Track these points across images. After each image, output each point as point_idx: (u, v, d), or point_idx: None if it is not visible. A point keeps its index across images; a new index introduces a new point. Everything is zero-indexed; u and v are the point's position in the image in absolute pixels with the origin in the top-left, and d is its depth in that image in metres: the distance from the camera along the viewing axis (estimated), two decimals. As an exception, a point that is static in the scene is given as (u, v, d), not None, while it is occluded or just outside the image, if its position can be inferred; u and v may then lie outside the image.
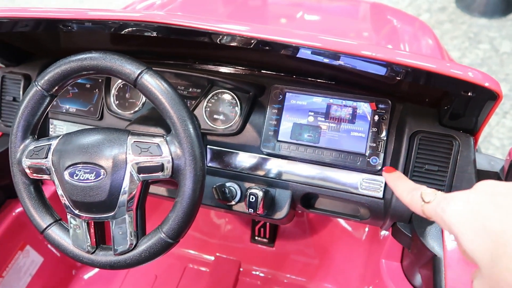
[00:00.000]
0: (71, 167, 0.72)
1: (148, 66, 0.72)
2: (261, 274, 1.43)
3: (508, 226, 0.40)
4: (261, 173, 0.95)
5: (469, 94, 0.67)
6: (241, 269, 1.43)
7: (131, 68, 0.71)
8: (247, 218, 1.47)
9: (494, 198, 0.44)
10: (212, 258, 1.47)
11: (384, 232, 1.13)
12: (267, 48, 0.73)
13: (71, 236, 0.76)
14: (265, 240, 1.45)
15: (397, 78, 0.76)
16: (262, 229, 1.44)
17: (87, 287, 1.39)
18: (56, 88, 0.76)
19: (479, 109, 0.73)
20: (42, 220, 0.78)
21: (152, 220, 0.79)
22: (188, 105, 0.98)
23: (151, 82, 0.70)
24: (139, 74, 0.70)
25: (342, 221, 1.35)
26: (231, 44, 0.77)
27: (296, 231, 1.45)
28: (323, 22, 1.56)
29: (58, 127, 1.09)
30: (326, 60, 0.74)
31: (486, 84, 0.61)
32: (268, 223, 1.44)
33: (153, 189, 1.01)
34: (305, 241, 1.44)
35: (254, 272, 1.43)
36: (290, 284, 1.39)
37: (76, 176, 0.72)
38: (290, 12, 1.63)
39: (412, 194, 0.56)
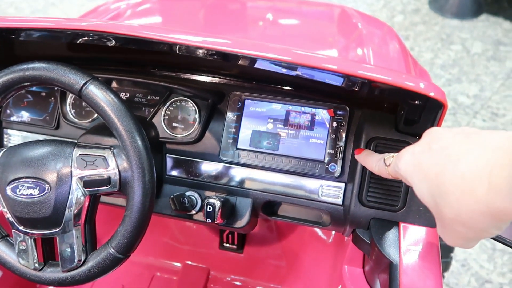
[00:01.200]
0: (14, 181, 0.69)
1: (93, 76, 0.70)
2: (231, 281, 1.41)
3: (440, 168, 0.43)
4: (221, 181, 0.93)
5: (416, 102, 0.67)
6: (210, 277, 1.41)
7: (75, 78, 0.68)
8: (204, 224, 1.45)
9: (430, 145, 0.47)
10: (180, 265, 1.45)
11: (348, 238, 1.13)
12: (225, 59, 0.72)
13: (17, 253, 0.73)
14: (233, 246, 1.44)
15: (354, 88, 0.76)
16: (230, 235, 1.42)
17: (51, 300, 1.35)
18: (0, 99, 0.73)
19: (430, 116, 0.73)
20: None
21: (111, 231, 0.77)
22: (147, 113, 0.95)
23: (96, 92, 0.68)
24: (83, 85, 0.68)
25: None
26: (191, 54, 0.75)
27: (264, 236, 1.44)
28: (291, 27, 1.55)
29: (13, 137, 1.05)
30: (284, 70, 0.73)
31: (431, 94, 0.61)
32: (235, 230, 1.42)
33: (113, 199, 0.99)
34: (274, 246, 1.43)
35: (223, 279, 1.42)
36: (260, 290, 1.38)
37: (19, 191, 0.69)
38: (258, 15, 1.62)
39: (378, 164, 0.64)
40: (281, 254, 1.42)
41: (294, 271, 1.38)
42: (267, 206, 0.95)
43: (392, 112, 0.85)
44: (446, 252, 1.54)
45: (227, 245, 1.44)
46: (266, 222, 1.43)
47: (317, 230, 1.35)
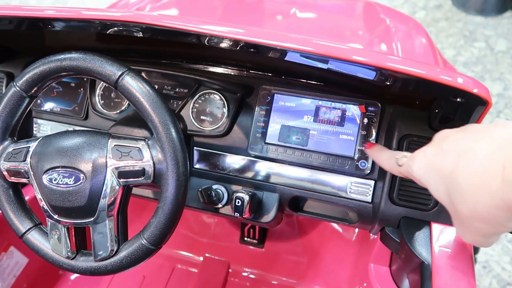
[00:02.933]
0: (50, 171, 0.70)
1: (129, 67, 0.70)
2: (251, 275, 1.41)
3: (454, 166, 0.44)
4: (248, 175, 0.93)
5: (458, 100, 0.65)
6: (230, 270, 1.42)
7: (111, 70, 0.68)
8: (231, 218, 1.46)
9: (442, 146, 0.48)
10: (201, 258, 1.45)
11: (374, 236, 1.12)
12: (255, 50, 0.71)
13: (51, 241, 0.74)
14: (254, 241, 1.44)
15: (386, 82, 0.74)
16: (251, 230, 1.42)
17: None
18: (35, 89, 0.74)
19: (469, 114, 0.71)
20: (21, 224, 0.76)
21: (140, 221, 0.77)
22: (175, 105, 0.96)
23: (132, 84, 0.68)
24: (120, 76, 0.68)
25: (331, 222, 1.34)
26: (219, 46, 0.75)
27: (286, 232, 1.44)
28: (316, 21, 1.54)
29: (42, 127, 1.07)
30: (315, 63, 0.72)
31: (475, 91, 0.59)
32: (257, 224, 1.42)
33: (139, 190, 0.99)
34: (295, 242, 1.42)
35: (243, 273, 1.42)
36: (280, 286, 1.38)
37: (55, 180, 0.70)
38: (282, 9, 1.60)
39: (390, 162, 0.63)
40: (302, 250, 1.42)
41: (314, 267, 1.37)
42: (293, 202, 0.94)
43: (425, 109, 0.84)
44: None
45: (248, 239, 1.44)
46: (288, 218, 1.43)
47: (339, 227, 1.34)
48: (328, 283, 1.32)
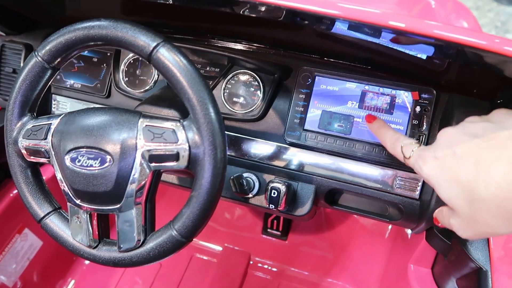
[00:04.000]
0: (73, 151, 0.63)
1: (165, 38, 0.62)
2: (272, 268, 1.35)
3: (472, 175, 0.46)
4: (281, 164, 0.86)
5: None
6: (250, 262, 1.36)
7: (145, 40, 0.61)
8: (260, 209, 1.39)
9: (454, 150, 0.49)
10: (221, 248, 1.39)
11: (409, 232, 1.04)
12: (299, 20, 0.63)
13: (71, 228, 0.68)
14: (277, 232, 1.37)
15: (446, 61, 0.66)
16: (275, 221, 1.36)
17: (88, 274, 1.32)
18: (59, 60, 0.66)
19: None
20: (39, 208, 0.70)
21: (159, 210, 0.70)
22: (205, 85, 0.88)
23: (169, 57, 0.60)
24: (154, 47, 0.60)
25: (362, 218, 1.27)
26: (251, 15, 0.66)
27: (311, 225, 1.36)
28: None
29: (61, 104, 1.00)
30: (364, 38, 0.64)
31: None
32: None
33: (164, 176, 0.93)
34: (320, 236, 1.35)
35: (264, 266, 1.36)
36: (302, 280, 1.32)
37: (78, 161, 0.63)
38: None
39: (394, 146, 0.63)
40: (328, 245, 1.35)
41: (341, 263, 1.30)
42: (330, 195, 0.87)
43: (487, 98, 0.75)
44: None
45: (271, 230, 1.37)
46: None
47: (370, 223, 1.27)
48: (356, 281, 1.26)
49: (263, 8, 0.63)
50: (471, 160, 0.47)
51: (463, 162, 0.48)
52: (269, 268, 1.35)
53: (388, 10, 0.60)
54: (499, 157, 0.45)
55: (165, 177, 0.92)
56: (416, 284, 0.88)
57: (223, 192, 0.87)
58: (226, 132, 0.88)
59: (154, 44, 0.60)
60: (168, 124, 0.62)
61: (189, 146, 0.61)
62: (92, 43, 0.64)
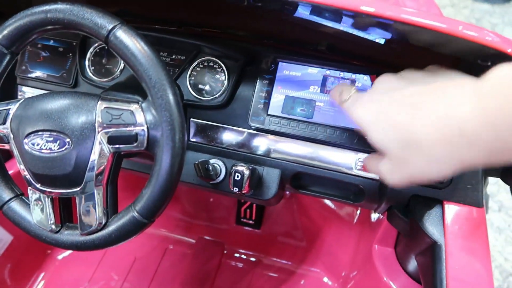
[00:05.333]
0: (32, 134, 0.63)
1: (122, 20, 0.63)
2: (246, 257, 1.37)
3: (410, 118, 0.47)
4: (248, 149, 0.87)
5: (488, 63, 0.59)
6: (225, 252, 1.37)
7: (102, 22, 0.61)
8: (233, 199, 1.40)
9: (391, 95, 0.50)
10: (195, 240, 1.40)
11: (376, 216, 1.07)
12: (261, 5, 0.65)
13: (33, 213, 0.68)
14: (251, 222, 1.38)
15: (402, 43, 0.68)
16: (248, 210, 1.37)
17: (61, 268, 1.31)
18: (17, 44, 0.67)
19: None
20: (0, 194, 0.69)
21: (130, 198, 0.71)
22: (171, 73, 0.89)
23: (125, 39, 0.61)
24: (111, 29, 0.61)
25: (332, 204, 1.29)
26: (222, 1, 0.67)
27: (283, 213, 1.38)
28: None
29: (27, 94, 0.99)
30: (324, 22, 0.66)
31: (509, 51, 0.53)
32: (254, 205, 1.37)
33: (130, 164, 0.93)
34: (293, 223, 1.37)
35: (238, 255, 1.37)
36: (277, 268, 1.33)
37: (37, 145, 0.63)
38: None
39: (336, 94, 0.65)
40: (301, 233, 1.37)
41: (313, 250, 1.33)
42: (295, 178, 0.89)
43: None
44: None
45: (244, 220, 1.39)
46: (286, 199, 1.38)
47: (340, 209, 1.29)
48: (328, 266, 1.28)
49: None
50: (409, 103, 0.48)
51: (401, 105, 0.49)
52: (244, 257, 1.36)
53: None
54: (436, 100, 0.46)
55: (129, 164, 0.92)
56: (380, 264, 0.91)
57: (189, 178, 0.88)
58: (192, 119, 0.89)
59: (111, 26, 0.61)
60: (126, 106, 0.63)
61: (148, 128, 0.62)
62: (50, 27, 0.64)
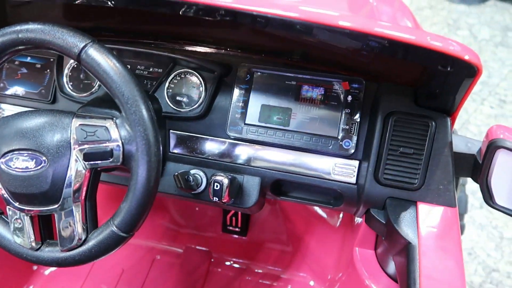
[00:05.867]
0: (8, 154, 0.64)
1: (93, 38, 0.64)
2: (234, 265, 1.37)
3: None
4: (228, 159, 0.89)
5: (448, 69, 0.61)
6: (212, 260, 1.38)
7: (73, 41, 0.63)
8: (219, 207, 1.41)
9: None
10: (182, 249, 1.41)
11: (358, 219, 1.09)
12: (233, 19, 0.66)
13: (12, 232, 0.69)
14: (237, 229, 1.40)
15: (372, 52, 0.70)
16: (233, 218, 1.38)
17: (49, 283, 1.31)
18: None
19: (457, 86, 0.68)
20: None
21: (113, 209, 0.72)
22: (149, 86, 0.90)
23: (97, 57, 0.62)
24: (83, 48, 0.62)
25: (316, 208, 1.31)
26: (196, 16, 0.69)
27: (269, 219, 1.40)
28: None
29: (6, 112, 1.00)
30: (296, 33, 0.68)
31: (466, 57, 0.56)
32: (239, 212, 1.38)
33: (110, 177, 0.94)
34: (278, 229, 1.39)
35: (226, 263, 1.38)
36: (264, 274, 1.35)
37: (13, 164, 0.64)
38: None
39: None
40: (286, 238, 1.38)
41: (299, 255, 1.34)
42: (275, 186, 0.90)
43: (412, 85, 0.80)
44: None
45: (231, 227, 1.40)
46: (271, 206, 1.39)
47: (324, 213, 1.31)
48: (314, 270, 1.30)
49: (201, 10, 0.66)
50: None
51: None
52: (231, 264, 1.37)
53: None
54: None
55: (109, 177, 0.93)
56: (361, 266, 0.92)
57: (171, 189, 0.89)
58: (172, 130, 0.91)
59: (82, 44, 0.62)
60: (101, 122, 0.64)
61: (122, 143, 0.63)
62: (22, 47, 0.65)
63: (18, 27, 0.64)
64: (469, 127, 2.40)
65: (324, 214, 1.30)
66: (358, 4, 1.35)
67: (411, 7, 3.25)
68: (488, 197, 0.75)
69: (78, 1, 0.71)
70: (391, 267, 0.89)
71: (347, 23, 0.59)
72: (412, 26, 1.24)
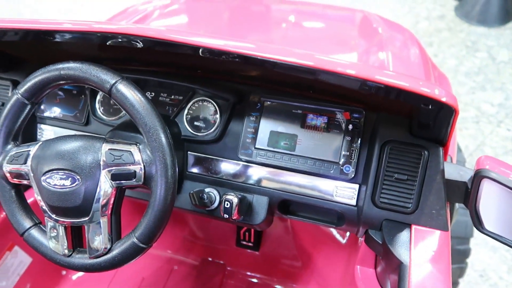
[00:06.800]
0: (48, 173, 0.75)
1: (122, 76, 0.75)
2: (247, 278, 1.45)
3: None
4: (239, 179, 0.97)
5: (429, 107, 0.69)
6: (226, 272, 1.45)
7: (105, 78, 0.73)
8: (222, 220, 1.49)
9: None
10: (198, 261, 1.49)
11: (361, 239, 1.15)
12: (245, 61, 0.76)
13: (49, 239, 0.79)
14: (250, 244, 1.47)
15: (369, 90, 0.78)
16: (247, 233, 1.46)
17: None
18: (36, 96, 0.79)
19: (445, 120, 0.75)
20: (21, 223, 0.81)
21: (136, 221, 0.81)
22: (170, 111, 1.00)
23: (125, 92, 0.73)
24: (113, 84, 0.73)
25: (324, 227, 1.38)
26: (212, 57, 0.79)
27: (280, 236, 1.47)
28: (312, 30, 1.58)
29: (46, 132, 1.12)
30: (305, 74, 0.77)
31: (443, 99, 0.63)
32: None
33: (134, 193, 1.04)
34: (289, 246, 1.46)
35: (239, 276, 1.45)
36: (275, 288, 1.41)
37: (52, 181, 0.75)
38: (279, 18, 1.65)
39: None
40: (296, 254, 1.45)
41: (308, 271, 1.40)
42: (283, 205, 0.98)
43: (407, 116, 0.87)
44: (460, 257, 1.53)
45: (244, 242, 1.47)
46: (282, 223, 1.46)
47: (332, 231, 1.37)
48: (322, 286, 1.35)
49: (220, 54, 0.76)
50: None
51: None
52: (244, 277, 1.45)
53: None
54: None
55: (133, 192, 1.03)
56: (362, 284, 0.98)
57: (185, 205, 0.98)
58: (190, 152, 1.00)
59: (113, 81, 0.73)
60: (126, 147, 0.75)
61: (144, 166, 0.73)
62: (63, 82, 0.77)
63: (60, 65, 0.75)
64: (484, 148, 2.41)
65: (332, 233, 1.36)
66: (369, 35, 1.43)
67: (429, 29, 3.31)
68: (478, 222, 0.80)
69: (109, 42, 0.81)
70: (389, 286, 0.95)
71: (353, 71, 0.68)
72: (418, 56, 1.31)
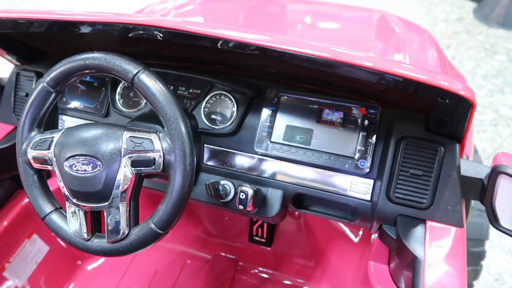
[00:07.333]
0: (71, 158, 0.77)
1: (145, 66, 0.77)
2: (258, 273, 1.46)
3: None
4: (255, 172, 0.98)
5: (447, 101, 0.69)
6: (238, 268, 1.46)
7: (128, 68, 0.75)
8: (246, 218, 1.50)
9: None
10: (211, 255, 1.51)
11: (374, 235, 1.15)
12: (263, 54, 0.77)
13: (69, 224, 0.81)
14: (262, 240, 1.48)
15: (386, 85, 0.79)
16: (260, 229, 1.47)
17: (90, 278, 1.44)
18: (61, 85, 0.82)
19: (462, 116, 0.75)
20: (43, 207, 0.83)
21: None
22: (188, 105, 1.02)
23: (147, 81, 0.75)
24: (136, 74, 0.75)
25: (338, 224, 1.38)
26: (239, 51, 0.80)
27: (293, 232, 1.48)
28: (328, 30, 1.59)
29: (67, 122, 1.15)
30: (323, 67, 0.77)
31: (462, 92, 0.63)
32: (265, 224, 1.47)
33: (151, 183, 1.06)
34: (302, 242, 1.46)
35: (251, 271, 1.46)
36: (286, 285, 1.42)
37: (74, 167, 0.77)
38: (296, 18, 1.67)
39: None
40: (309, 251, 1.45)
41: (320, 268, 1.40)
42: (296, 199, 0.99)
43: (424, 112, 0.87)
44: (476, 259, 1.51)
45: (257, 238, 1.49)
46: (295, 220, 1.47)
47: (345, 228, 1.37)
48: (334, 284, 1.35)
49: (240, 46, 0.77)
50: None
51: None
52: (256, 273, 1.46)
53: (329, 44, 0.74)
54: None
55: (150, 183, 1.05)
56: (375, 280, 0.98)
57: (203, 197, 1.00)
58: (206, 144, 1.02)
59: (136, 71, 0.75)
60: (146, 135, 0.76)
61: (163, 153, 0.75)
62: (87, 71, 0.79)
63: (85, 55, 0.78)
64: (502, 151, 2.37)
65: (345, 229, 1.36)
66: (386, 36, 1.43)
67: (447, 31, 3.28)
68: (494, 219, 0.80)
69: (131, 34, 0.84)
70: (403, 282, 0.95)
71: (370, 63, 0.68)
72: (435, 56, 1.30)
